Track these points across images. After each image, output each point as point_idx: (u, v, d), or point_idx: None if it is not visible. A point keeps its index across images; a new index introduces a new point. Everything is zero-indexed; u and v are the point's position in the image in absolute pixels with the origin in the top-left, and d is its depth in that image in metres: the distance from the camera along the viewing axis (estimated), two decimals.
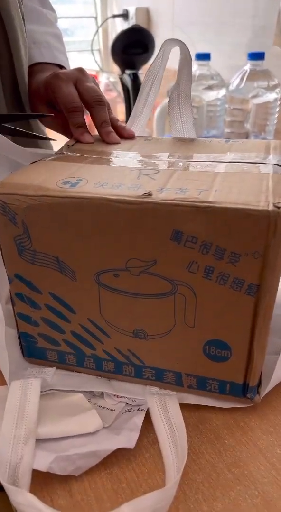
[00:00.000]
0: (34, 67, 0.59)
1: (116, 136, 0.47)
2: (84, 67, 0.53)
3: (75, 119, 0.47)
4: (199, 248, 0.32)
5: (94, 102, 0.48)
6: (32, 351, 0.42)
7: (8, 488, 0.30)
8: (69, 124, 0.48)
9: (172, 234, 0.32)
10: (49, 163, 0.40)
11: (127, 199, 0.32)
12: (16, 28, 0.53)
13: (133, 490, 0.33)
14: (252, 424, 0.37)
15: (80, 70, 0.50)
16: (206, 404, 0.38)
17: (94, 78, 0.52)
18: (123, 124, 0.49)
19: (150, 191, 0.32)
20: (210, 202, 0.30)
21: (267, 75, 0.95)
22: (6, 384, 0.39)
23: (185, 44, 0.48)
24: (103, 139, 0.47)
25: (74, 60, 0.67)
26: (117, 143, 0.46)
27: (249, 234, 0.30)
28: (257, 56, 0.94)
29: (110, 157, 0.42)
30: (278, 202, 0.29)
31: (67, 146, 0.45)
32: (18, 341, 0.43)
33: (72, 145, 0.46)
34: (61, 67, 0.61)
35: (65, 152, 0.43)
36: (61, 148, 0.45)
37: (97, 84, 0.51)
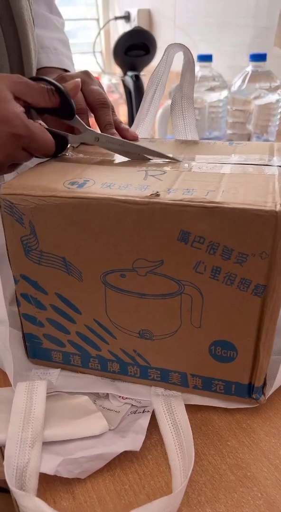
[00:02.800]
0: (40, 71, 0.60)
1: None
2: (86, 68, 0.53)
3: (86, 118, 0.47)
4: (206, 248, 0.32)
5: (99, 105, 0.48)
6: (36, 352, 0.42)
7: (16, 492, 0.29)
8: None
9: (180, 235, 0.32)
10: (55, 164, 0.40)
11: (135, 200, 0.32)
12: (28, 33, 0.54)
13: (136, 491, 0.33)
14: (255, 426, 0.37)
15: (86, 73, 0.50)
16: (211, 405, 0.38)
17: (99, 81, 0.52)
18: (127, 126, 0.49)
19: (158, 192, 0.32)
20: (218, 203, 0.30)
21: (269, 76, 0.95)
22: (10, 385, 0.39)
23: (188, 49, 0.48)
24: None
25: (76, 62, 0.68)
26: None
27: (256, 234, 0.30)
28: (258, 57, 0.94)
29: (116, 158, 0.42)
30: None
31: (72, 148, 0.45)
32: (23, 342, 0.43)
33: (77, 146, 0.46)
34: (66, 71, 0.62)
35: (70, 153, 0.43)
36: (67, 149, 0.45)
37: (102, 87, 0.51)
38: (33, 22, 0.57)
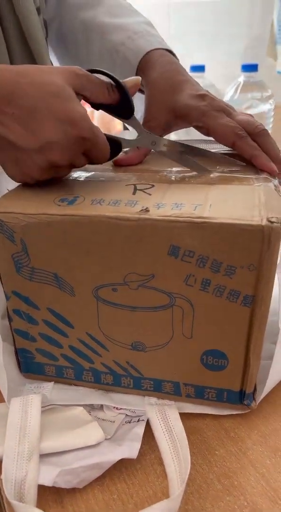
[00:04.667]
0: (146, 57, 0.52)
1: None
2: None
3: (251, 142, 0.43)
4: (196, 262, 0.32)
5: (261, 131, 0.44)
6: (29, 366, 0.42)
7: (16, 505, 0.30)
8: (243, 152, 0.43)
9: (170, 249, 0.32)
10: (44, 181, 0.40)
11: (125, 216, 0.32)
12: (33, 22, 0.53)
13: (124, 501, 0.33)
14: (243, 435, 0.38)
15: (226, 104, 0.47)
16: (204, 412, 0.39)
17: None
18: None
19: (147, 207, 0.33)
20: (206, 218, 0.31)
21: (260, 87, 0.97)
22: (3, 401, 0.39)
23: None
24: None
25: None
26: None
27: (244, 248, 0.31)
28: (250, 67, 0.96)
29: (104, 172, 0.42)
30: (271, 217, 0.30)
31: None
32: (15, 357, 0.43)
33: None
34: (170, 52, 0.55)
35: None
36: None
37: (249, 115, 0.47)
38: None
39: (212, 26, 1.19)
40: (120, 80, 0.40)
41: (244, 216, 0.31)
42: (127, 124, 0.42)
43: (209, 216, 0.31)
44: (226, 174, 0.40)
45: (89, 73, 0.38)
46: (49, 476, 0.33)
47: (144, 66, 0.52)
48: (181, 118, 0.46)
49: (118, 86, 0.40)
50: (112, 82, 0.39)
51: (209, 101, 0.44)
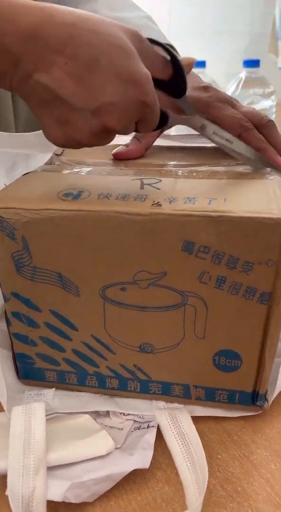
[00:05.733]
0: None
1: None
2: None
3: (258, 134, 0.41)
4: (211, 258, 0.31)
5: (267, 123, 0.43)
6: (29, 372, 0.40)
7: None
8: (251, 143, 0.41)
9: (183, 245, 0.31)
10: (44, 174, 0.38)
11: (136, 211, 0.30)
12: None
13: (122, 507, 0.32)
14: (246, 438, 0.36)
15: (230, 96, 0.46)
16: (215, 415, 0.38)
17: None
18: None
19: (159, 202, 0.31)
20: (223, 212, 0.30)
21: (262, 82, 0.97)
22: (2, 410, 0.36)
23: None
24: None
25: None
26: None
27: (263, 242, 0.30)
28: (252, 63, 0.95)
29: (106, 167, 0.40)
30: None
31: (56, 156, 0.43)
32: (13, 363, 0.40)
33: (60, 154, 0.44)
34: (171, 46, 0.54)
35: (56, 163, 0.41)
36: (51, 158, 0.43)
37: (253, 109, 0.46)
38: None
39: (213, 22, 1.18)
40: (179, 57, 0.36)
41: (262, 209, 0.30)
42: (177, 103, 0.39)
43: (226, 210, 0.30)
44: (235, 167, 0.39)
45: (147, 40, 0.34)
46: (58, 490, 0.31)
47: None
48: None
49: (174, 62, 0.36)
50: (168, 57, 0.36)
51: (213, 92, 0.43)
